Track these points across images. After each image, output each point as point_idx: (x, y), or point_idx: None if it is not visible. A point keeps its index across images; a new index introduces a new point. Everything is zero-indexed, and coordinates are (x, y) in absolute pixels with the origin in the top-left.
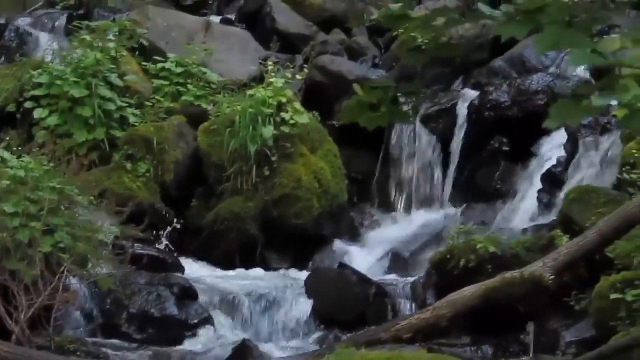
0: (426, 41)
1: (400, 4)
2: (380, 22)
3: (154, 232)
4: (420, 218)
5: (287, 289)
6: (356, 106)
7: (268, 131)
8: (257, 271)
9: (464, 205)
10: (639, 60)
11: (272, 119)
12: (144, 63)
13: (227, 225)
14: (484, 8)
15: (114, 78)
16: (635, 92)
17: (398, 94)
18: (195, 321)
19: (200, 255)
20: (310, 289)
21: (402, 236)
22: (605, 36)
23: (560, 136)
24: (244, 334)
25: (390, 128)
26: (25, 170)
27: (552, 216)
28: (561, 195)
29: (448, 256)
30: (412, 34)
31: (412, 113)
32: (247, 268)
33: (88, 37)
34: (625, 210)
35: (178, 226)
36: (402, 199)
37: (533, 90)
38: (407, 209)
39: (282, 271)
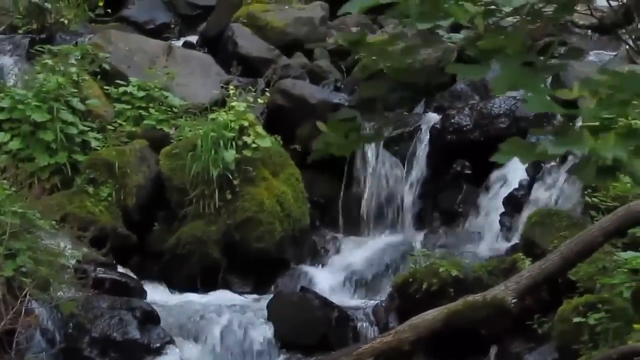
0: (387, 65)
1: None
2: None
3: (116, 256)
4: (383, 241)
5: (250, 312)
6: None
7: (230, 155)
8: (220, 295)
9: (427, 228)
10: (593, 116)
11: (234, 143)
12: (106, 87)
13: (189, 248)
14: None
15: (76, 102)
16: (592, 145)
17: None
18: (158, 345)
19: (163, 279)
20: (273, 313)
21: (364, 260)
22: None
23: None
24: (207, 358)
25: (353, 152)
26: None
27: (514, 239)
28: (523, 218)
29: (410, 280)
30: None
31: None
32: (209, 292)
33: (50, 61)
34: (588, 234)
35: (140, 250)
36: (364, 222)
37: (495, 114)
38: (370, 232)
39: (244, 295)
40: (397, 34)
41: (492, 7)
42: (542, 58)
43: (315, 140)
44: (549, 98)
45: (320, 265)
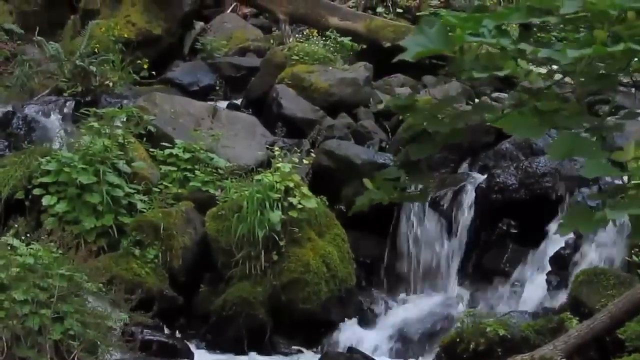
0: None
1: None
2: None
3: (163, 318)
4: (429, 301)
5: None
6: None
7: (276, 216)
8: (266, 356)
9: (473, 288)
10: None
11: (279, 204)
12: (151, 149)
13: (235, 310)
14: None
15: (121, 165)
16: None
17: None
18: None
19: (210, 341)
20: None
21: (411, 319)
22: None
23: None
24: None
25: (398, 212)
26: (34, 258)
27: (561, 299)
28: (570, 277)
29: (457, 339)
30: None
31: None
32: (256, 353)
33: (96, 124)
34: (636, 292)
35: (186, 312)
36: (410, 282)
37: (540, 173)
38: (416, 292)
39: (291, 356)
40: (446, 99)
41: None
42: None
43: (359, 197)
44: (605, 162)
45: (367, 326)
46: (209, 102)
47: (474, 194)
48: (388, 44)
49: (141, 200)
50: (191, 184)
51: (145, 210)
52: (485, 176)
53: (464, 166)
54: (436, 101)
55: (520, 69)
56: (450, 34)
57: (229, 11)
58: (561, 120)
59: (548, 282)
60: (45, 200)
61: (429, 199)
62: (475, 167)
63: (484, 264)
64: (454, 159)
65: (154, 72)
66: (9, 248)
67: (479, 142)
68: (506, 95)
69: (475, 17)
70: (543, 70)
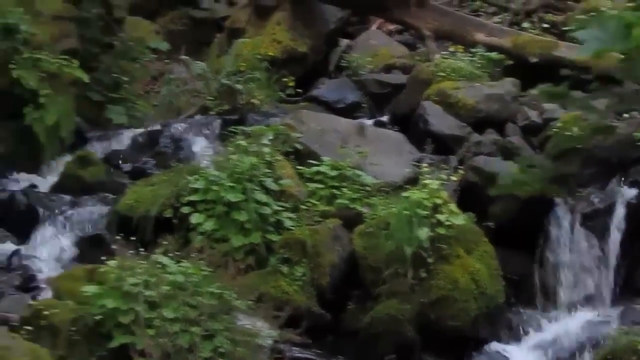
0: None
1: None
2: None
3: (311, 335)
4: (580, 319)
5: None
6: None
7: (424, 233)
8: None
9: (625, 305)
10: None
11: (427, 221)
12: (298, 167)
13: (384, 328)
14: None
15: (269, 182)
16: None
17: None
18: None
19: (358, 359)
20: None
21: (560, 336)
22: None
23: None
24: None
25: (546, 228)
26: (184, 276)
27: None
28: None
29: (610, 357)
30: (567, 133)
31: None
32: None
33: (243, 142)
34: None
35: (334, 329)
36: (560, 299)
37: None
38: (566, 309)
39: None
40: (595, 113)
41: None
42: None
43: (502, 177)
44: None
45: (516, 343)
46: (356, 119)
47: (624, 210)
48: (535, 60)
49: (289, 217)
50: (338, 201)
51: (292, 228)
52: (636, 192)
53: (614, 182)
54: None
55: None
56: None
57: (374, 28)
58: None
59: None
60: (194, 219)
61: (578, 215)
62: (626, 183)
63: (636, 281)
64: (603, 174)
65: (299, 90)
66: (159, 266)
67: (628, 157)
68: None
69: None
70: None
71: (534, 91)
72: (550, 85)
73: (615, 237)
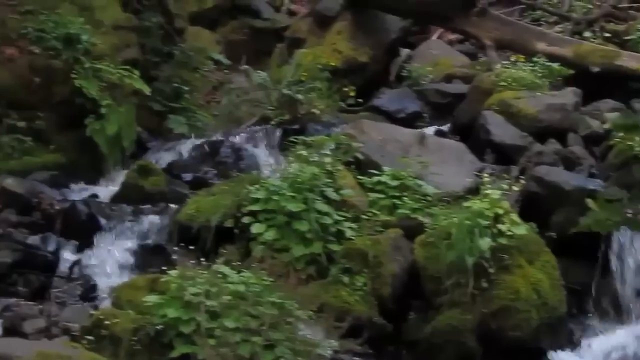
0: None
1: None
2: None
3: (372, 345)
4: None
5: None
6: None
7: (485, 243)
8: None
9: None
10: None
11: (489, 231)
12: (359, 177)
13: (445, 338)
14: None
15: (330, 192)
16: None
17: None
18: None
19: None
20: None
21: (623, 347)
22: None
23: None
24: None
25: (608, 238)
26: (245, 286)
27: None
28: None
29: None
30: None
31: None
32: None
33: (304, 152)
34: None
35: (396, 340)
36: (622, 309)
37: None
38: (628, 319)
39: None
40: None
41: None
42: None
43: (583, 217)
44: None
45: (578, 354)
46: (416, 129)
47: None
48: (596, 69)
49: (350, 227)
50: (399, 211)
51: (354, 238)
52: None
53: None
54: None
55: None
56: None
57: (434, 38)
58: None
59: None
60: (255, 228)
61: None
62: None
63: None
64: None
65: (360, 100)
66: (220, 276)
67: None
68: None
69: None
70: None
71: (609, 117)
72: (621, 116)
73: None
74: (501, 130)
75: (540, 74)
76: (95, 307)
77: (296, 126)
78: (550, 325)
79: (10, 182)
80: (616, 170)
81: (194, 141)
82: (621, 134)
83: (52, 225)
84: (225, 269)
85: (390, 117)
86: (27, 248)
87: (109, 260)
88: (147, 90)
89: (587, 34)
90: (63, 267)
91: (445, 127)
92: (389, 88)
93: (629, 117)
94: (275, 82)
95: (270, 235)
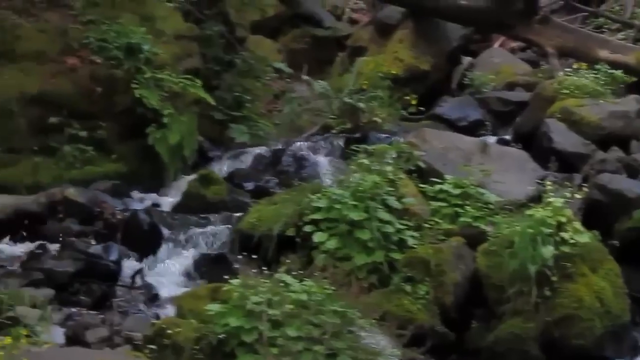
0: None
1: None
2: None
3: (434, 354)
4: None
5: None
6: None
7: (548, 251)
8: None
9: None
10: None
11: (551, 239)
12: (421, 185)
13: (507, 346)
14: None
15: (392, 201)
16: None
17: None
18: None
19: None
20: None
21: None
22: None
23: None
24: None
25: None
26: (307, 294)
27: None
28: None
29: None
30: None
31: None
32: None
33: (366, 161)
34: None
35: (458, 348)
36: None
37: None
38: None
39: None
40: None
41: None
42: None
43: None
44: None
45: None
46: (478, 137)
47: None
48: None
49: (412, 236)
50: (462, 219)
51: (416, 246)
52: None
53: None
54: None
55: None
56: None
57: (496, 46)
58: None
59: None
60: (317, 237)
61: None
62: None
63: None
64: None
65: (421, 108)
66: (282, 284)
67: None
68: None
69: None
70: None
71: None
72: None
73: None
74: (564, 138)
75: (602, 82)
76: (157, 316)
77: (358, 135)
78: (614, 334)
79: (72, 192)
80: None
81: (255, 150)
82: None
83: (114, 235)
84: (288, 278)
85: (452, 125)
86: (89, 257)
87: (171, 269)
88: (209, 99)
89: None
90: (125, 276)
91: (507, 135)
92: (451, 96)
93: None
94: (336, 91)
95: (332, 244)
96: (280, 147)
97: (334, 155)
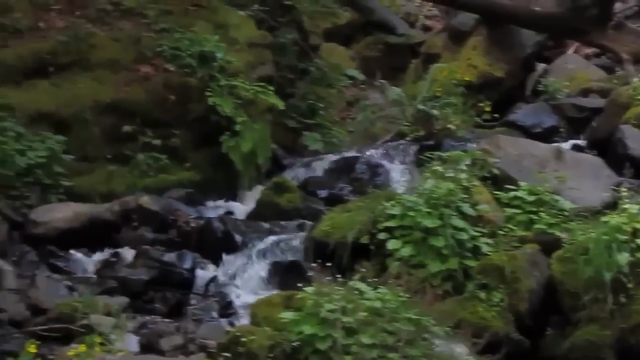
0: None
1: None
2: None
3: None
4: None
5: None
6: None
7: (623, 258)
8: None
9: None
10: None
11: (627, 246)
12: (495, 192)
13: (583, 354)
14: None
15: (466, 208)
16: None
17: None
18: None
19: None
20: None
21: None
22: None
23: None
24: None
25: None
26: (381, 302)
27: None
28: None
29: None
30: None
31: None
32: None
33: (440, 168)
34: None
35: (533, 356)
36: None
37: None
38: None
39: None
40: None
41: None
42: None
43: None
44: None
45: None
46: (553, 144)
47: None
48: None
49: (486, 243)
50: (536, 226)
51: (490, 254)
52: None
53: None
54: None
55: None
56: None
57: (571, 52)
58: None
59: None
60: (391, 245)
61: None
62: None
63: None
64: None
65: (495, 115)
66: (356, 292)
67: None
68: None
69: None
70: None
71: None
72: None
73: None
74: (639, 144)
75: None
76: (232, 324)
77: (431, 142)
78: None
79: (146, 200)
80: None
81: (329, 158)
82: None
83: (188, 243)
84: (362, 285)
85: (527, 132)
86: (163, 265)
87: (245, 277)
88: (281, 105)
89: None
90: (199, 284)
91: (581, 142)
92: (525, 103)
93: None
94: (410, 98)
95: (406, 251)
96: (354, 155)
97: (407, 163)
